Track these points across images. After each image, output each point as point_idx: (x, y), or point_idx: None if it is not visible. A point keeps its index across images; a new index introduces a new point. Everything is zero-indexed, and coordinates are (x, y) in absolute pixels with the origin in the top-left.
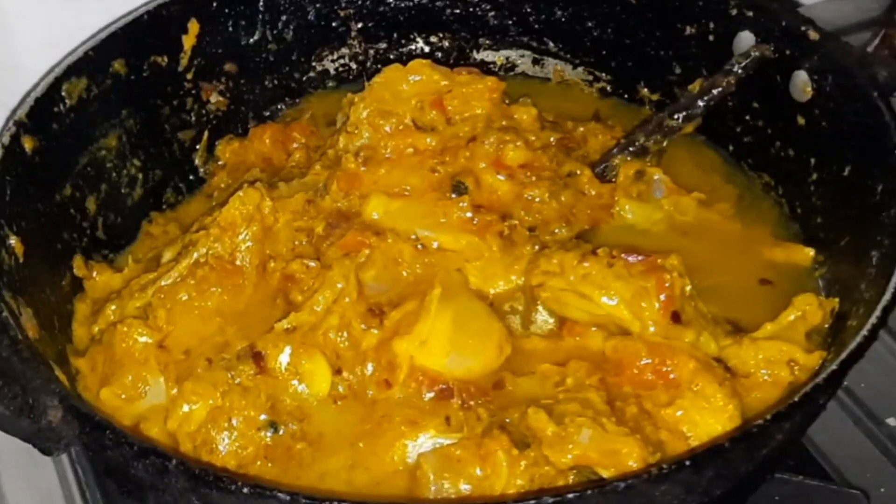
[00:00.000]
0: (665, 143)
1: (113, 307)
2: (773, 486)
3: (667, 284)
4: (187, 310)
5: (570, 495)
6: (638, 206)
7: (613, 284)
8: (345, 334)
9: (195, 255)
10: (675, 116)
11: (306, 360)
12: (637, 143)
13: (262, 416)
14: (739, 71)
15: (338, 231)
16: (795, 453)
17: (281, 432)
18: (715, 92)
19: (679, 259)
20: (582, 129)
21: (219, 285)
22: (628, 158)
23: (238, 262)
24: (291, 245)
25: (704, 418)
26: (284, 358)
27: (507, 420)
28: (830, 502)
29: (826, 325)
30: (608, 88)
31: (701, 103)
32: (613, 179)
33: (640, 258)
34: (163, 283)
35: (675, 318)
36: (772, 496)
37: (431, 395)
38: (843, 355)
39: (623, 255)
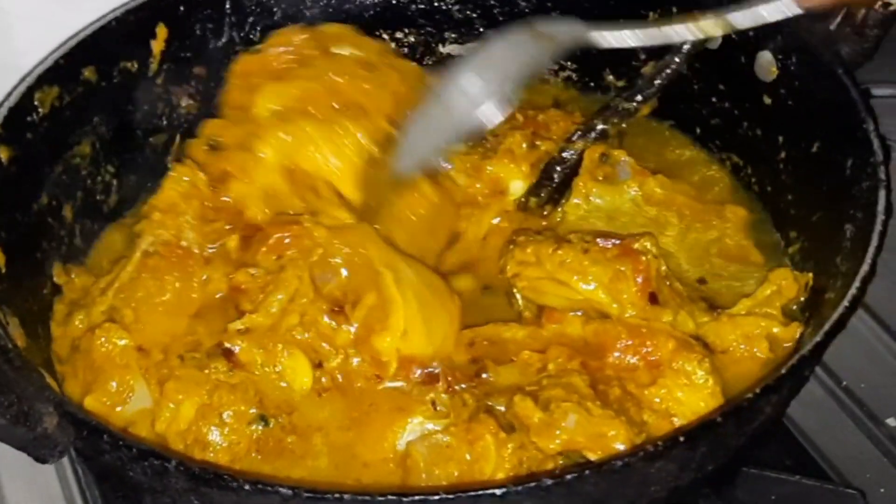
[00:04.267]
0: (624, 126)
1: (80, 316)
2: (770, 485)
3: (642, 267)
4: (151, 306)
5: (569, 476)
6: (604, 188)
7: (590, 270)
8: (312, 333)
9: (143, 245)
10: (633, 99)
11: (286, 357)
12: (596, 129)
13: (252, 410)
14: (689, 48)
15: (257, 238)
16: (795, 453)
17: (271, 425)
18: (668, 71)
19: (653, 241)
20: (542, 116)
21: (171, 272)
22: (590, 143)
23: (185, 244)
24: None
25: (687, 396)
26: (259, 354)
27: (492, 404)
28: (827, 502)
29: (801, 299)
30: (574, 77)
31: (656, 82)
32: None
33: (614, 242)
34: (119, 283)
35: (653, 299)
36: (768, 496)
37: (419, 374)
38: (827, 326)
39: (597, 240)
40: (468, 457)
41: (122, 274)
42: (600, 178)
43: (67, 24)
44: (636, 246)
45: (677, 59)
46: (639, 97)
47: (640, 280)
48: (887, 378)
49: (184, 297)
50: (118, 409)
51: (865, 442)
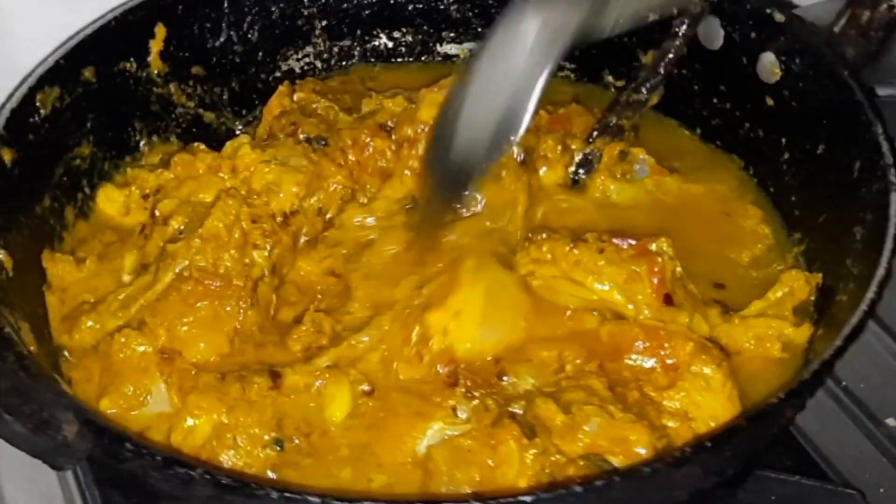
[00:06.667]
0: (637, 118)
1: (89, 322)
2: (770, 485)
3: (657, 268)
4: (186, 325)
5: (599, 483)
6: (622, 186)
7: (605, 270)
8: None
9: (174, 268)
10: (640, 90)
11: (332, 385)
12: (612, 124)
13: (266, 437)
14: (685, 29)
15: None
16: (795, 453)
17: (286, 450)
18: (670, 56)
19: (669, 242)
20: (563, 110)
21: (206, 298)
22: (608, 141)
23: (222, 272)
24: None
25: (705, 399)
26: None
27: (514, 407)
28: (827, 502)
29: (811, 300)
30: (573, 76)
31: (660, 70)
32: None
33: (630, 242)
34: (144, 300)
35: (668, 300)
36: (768, 496)
37: (444, 370)
38: (847, 331)
39: (613, 240)
40: (490, 462)
41: (149, 294)
42: (618, 176)
43: (67, 24)
44: (652, 247)
45: (678, 42)
46: (646, 86)
47: (655, 281)
48: (887, 378)
49: (223, 321)
50: (134, 412)
51: (865, 442)
